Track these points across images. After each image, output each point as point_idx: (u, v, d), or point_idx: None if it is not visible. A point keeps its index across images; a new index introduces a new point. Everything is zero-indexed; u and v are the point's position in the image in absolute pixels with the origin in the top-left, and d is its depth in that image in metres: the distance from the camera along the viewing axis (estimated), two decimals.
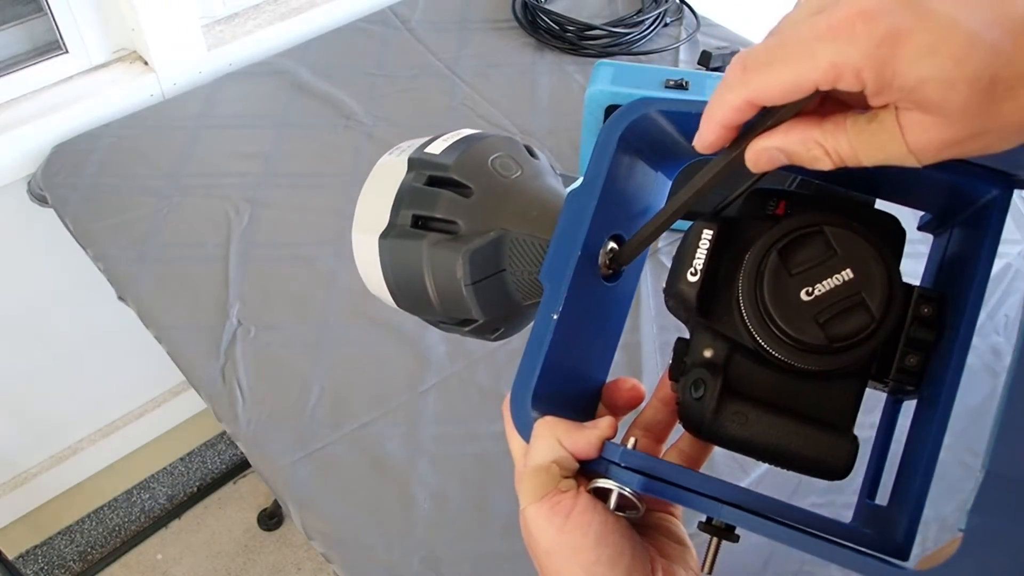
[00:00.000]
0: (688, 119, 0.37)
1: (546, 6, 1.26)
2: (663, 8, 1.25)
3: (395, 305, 0.46)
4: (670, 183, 0.44)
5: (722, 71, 1.10)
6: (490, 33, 1.26)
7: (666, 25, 1.26)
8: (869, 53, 0.26)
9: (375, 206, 0.45)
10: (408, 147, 0.47)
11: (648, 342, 0.88)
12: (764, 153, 0.31)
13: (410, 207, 0.44)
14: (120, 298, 1.07)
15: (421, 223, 0.43)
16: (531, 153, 0.47)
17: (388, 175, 0.46)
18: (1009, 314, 1.01)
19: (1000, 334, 1.01)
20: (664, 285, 0.39)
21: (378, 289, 0.46)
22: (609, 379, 0.43)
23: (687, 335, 0.39)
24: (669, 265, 0.40)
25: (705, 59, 1.10)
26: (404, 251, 0.43)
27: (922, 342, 0.34)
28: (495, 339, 0.46)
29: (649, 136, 0.39)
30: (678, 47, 1.22)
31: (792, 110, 0.30)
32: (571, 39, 1.23)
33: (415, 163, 0.45)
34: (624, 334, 0.92)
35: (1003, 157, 0.32)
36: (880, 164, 0.29)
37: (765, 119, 0.31)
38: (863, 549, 0.32)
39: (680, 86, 0.88)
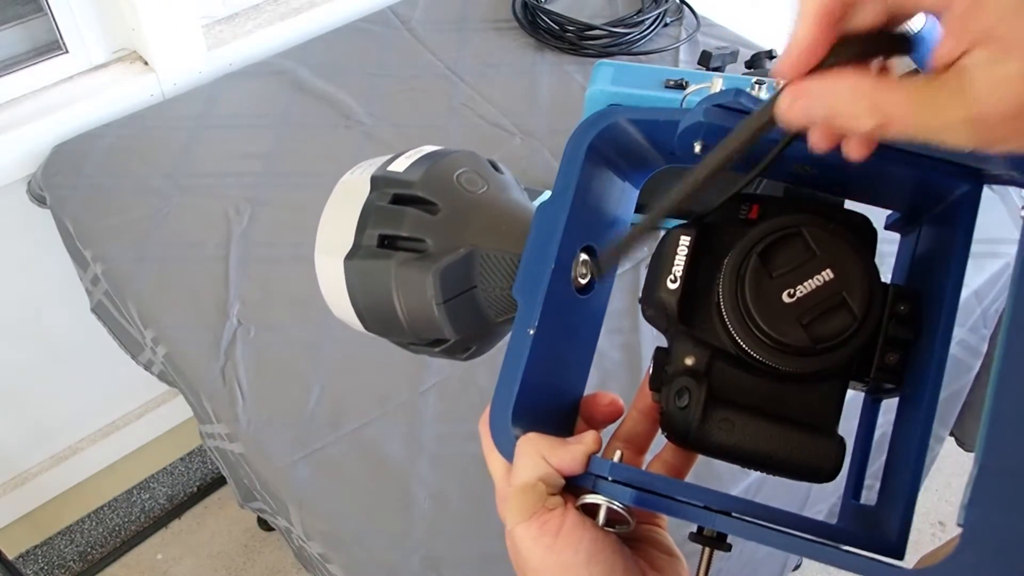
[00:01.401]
0: (656, 127, 0.37)
1: (546, 6, 1.26)
2: (663, 8, 1.25)
3: (362, 329, 0.45)
4: (637, 193, 0.44)
5: (722, 71, 1.10)
6: (490, 33, 1.26)
7: (666, 25, 1.26)
8: None
9: (338, 227, 0.44)
10: (369, 166, 0.46)
11: (648, 342, 0.88)
12: (802, 102, 0.27)
13: (375, 227, 0.42)
14: (93, 310, 1.07)
15: (387, 243, 0.42)
16: (495, 168, 0.46)
17: (350, 195, 0.44)
18: (999, 310, 1.01)
19: (988, 328, 1.02)
20: (640, 295, 0.39)
21: (344, 313, 0.45)
22: (605, 388, 0.43)
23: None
24: None
25: (705, 59, 1.10)
26: (371, 272, 0.42)
27: (901, 340, 0.34)
28: (466, 358, 0.45)
29: (617, 145, 0.39)
30: (678, 47, 1.22)
31: (850, 53, 0.27)
32: (571, 39, 1.23)
33: (378, 181, 0.44)
34: (624, 334, 0.92)
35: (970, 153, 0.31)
36: (932, 137, 0.26)
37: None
38: (860, 552, 0.32)
39: (680, 86, 0.88)
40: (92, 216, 1.01)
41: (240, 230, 0.99)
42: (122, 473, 1.55)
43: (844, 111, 0.27)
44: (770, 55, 1.13)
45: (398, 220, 0.42)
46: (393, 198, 0.43)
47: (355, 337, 0.89)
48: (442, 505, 0.77)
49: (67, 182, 1.05)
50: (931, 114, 0.26)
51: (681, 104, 0.39)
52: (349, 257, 0.42)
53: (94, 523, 1.56)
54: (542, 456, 0.35)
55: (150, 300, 0.93)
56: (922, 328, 0.35)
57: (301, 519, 0.77)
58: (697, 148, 0.36)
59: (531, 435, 0.36)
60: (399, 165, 0.44)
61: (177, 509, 1.58)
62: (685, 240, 0.36)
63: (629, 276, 0.94)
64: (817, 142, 0.30)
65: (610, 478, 0.35)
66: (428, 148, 0.46)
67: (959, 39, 0.25)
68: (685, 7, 1.28)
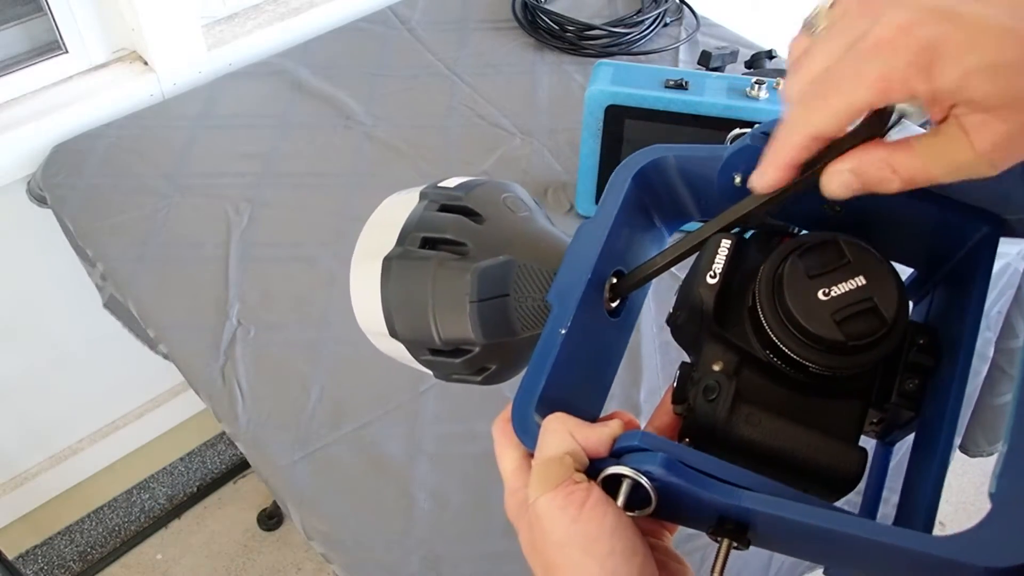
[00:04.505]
0: (700, 164, 0.39)
1: (546, 6, 1.26)
2: (663, 8, 1.25)
3: (384, 336, 0.46)
4: (668, 240, 0.46)
5: (722, 71, 1.10)
6: (490, 33, 1.26)
7: (666, 25, 1.26)
8: (912, 60, 0.28)
9: (381, 233, 0.45)
10: (416, 188, 0.48)
11: (648, 342, 0.88)
12: (836, 176, 0.32)
13: (420, 230, 0.44)
14: (105, 306, 1.06)
15: (430, 245, 0.44)
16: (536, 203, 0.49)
17: (398, 206, 0.46)
18: (1002, 311, 1.01)
19: (991, 330, 1.02)
20: (672, 307, 0.40)
21: (370, 317, 0.45)
22: (608, 399, 0.43)
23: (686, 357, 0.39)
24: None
25: (705, 59, 1.10)
26: (409, 269, 0.43)
27: (921, 367, 0.36)
28: (482, 380, 0.46)
29: (659, 186, 0.41)
30: (678, 47, 1.22)
31: (861, 136, 0.32)
32: (571, 39, 1.23)
33: (427, 195, 0.46)
34: None
35: (991, 195, 0.34)
36: (952, 177, 0.30)
37: (840, 144, 0.32)
38: (894, 527, 0.32)
39: (680, 86, 0.88)
40: (92, 216, 1.01)
41: (240, 230, 0.99)
42: (122, 473, 1.55)
43: (873, 178, 0.32)
44: (770, 55, 1.14)
45: (443, 224, 0.44)
46: (441, 207, 0.45)
47: (355, 337, 0.89)
48: (442, 505, 0.77)
49: (67, 182, 1.05)
50: (945, 161, 0.30)
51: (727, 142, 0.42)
52: (389, 257, 0.44)
53: (94, 523, 1.56)
54: (570, 432, 0.36)
55: (150, 300, 0.93)
56: (941, 355, 0.36)
57: (301, 519, 0.77)
58: (737, 180, 0.38)
59: (560, 413, 0.37)
60: (449, 183, 0.46)
61: (177, 509, 1.58)
62: (726, 243, 0.37)
63: None
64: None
65: (642, 446, 0.35)
66: (475, 177, 0.48)
67: (941, 108, 0.30)
68: (685, 7, 1.28)
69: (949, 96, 0.29)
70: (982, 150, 0.29)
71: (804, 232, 0.40)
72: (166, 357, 1.04)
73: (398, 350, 0.46)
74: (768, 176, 0.34)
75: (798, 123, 0.32)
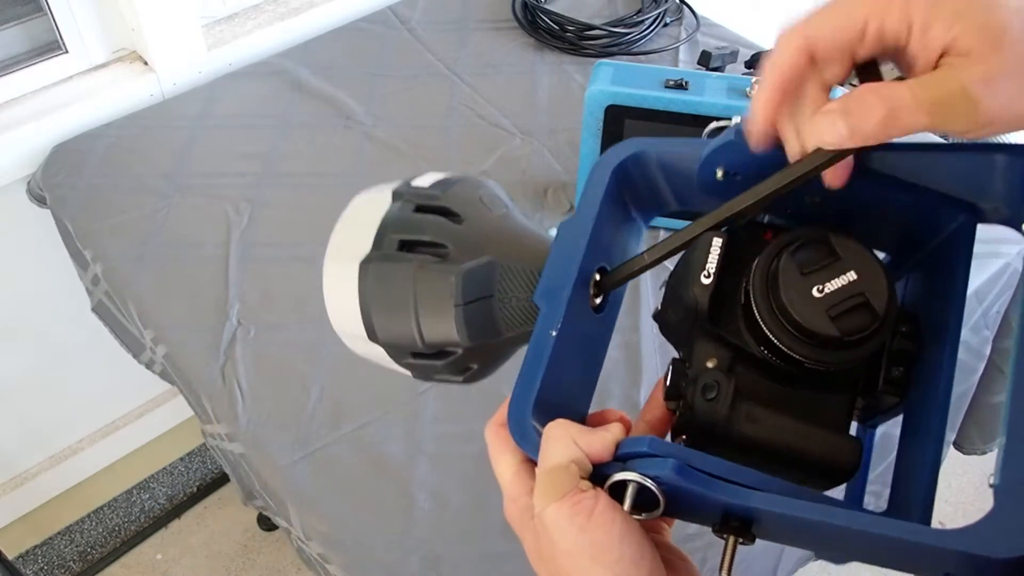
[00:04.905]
0: (679, 159, 0.39)
1: (546, 6, 1.26)
2: (663, 8, 1.25)
3: (362, 340, 0.45)
4: (645, 231, 0.46)
5: (722, 71, 1.10)
6: (490, 33, 1.26)
7: (666, 25, 1.26)
8: None
9: (355, 235, 0.44)
10: (386, 186, 0.46)
11: (648, 342, 0.88)
12: (826, 116, 0.33)
13: (396, 232, 0.43)
14: (94, 310, 1.06)
15: (408, 248, 0.42)
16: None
17: (369, 207, 0.45)
18: (1001, 311, 1.01)
19: (989, 328, 1.02)
20: (659, 304, 0.40)
21: (347, 321, 0.44)
22: (605, 386, 0.43)
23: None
24: (668, 264, 0.40)
25: (705, 59, 1.10)
26: (389, 273, 0.42)
27: (905, 353, 0.37)
28: (464, 380, 0.45)
29: (638, 179, 0.41)
30: (678, 47, 1.22)
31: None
32: (571, 39, 1.23)
33: (401, 195, 0.44)
34: (624, 333, 0.92)
35: (968, 185, 0.35)
36: (938, 113, 0.31)
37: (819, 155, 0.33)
38: (903, 521, 0.33)
39: (680, 86, 0.88)
40: (91, 216, 1.01)
41: (240, 230, 0.99)
42: (122, 473, 1.55)
43: (861, 109, 0.32)
44: None
45: (421, 226, 0.43)
46: (416, 208, 0.44)
47: None
48: (442, 505, 0.77)
49: (67, 182, 1.05)
50: (934, 88, 0.31)
51: (704, 135, 0.42)
52: (366, 261, 0.43)
53: (94, 523, 1.56)
54: (573, 440, 0.36)
55: (150, 300, 0.93)
56: (923, 341, 0.37)
57: (301, 519, 0.77)
58: (719, 174, 0.38)
59: (561, 420, 0.36)
60: (422, 181, 0.45)
61: (177, 509, 1.58)
62: (718, 242, 0.37)
63: None
64: (833, 179, 0.36)
65: (651, 452, 0.35)
66: (447, 173, 0.47)
67: (930, 53, 0.31)
68: (685, 7, 1.28)
69: (943, 33, 0.30)
70: (970, 80, 0.30)
71: (771, 219, 0.41)
72: (148, 366, 1.04)
73: (376, 353, 0.45)
74: (756, 109, 0.34)
75: (791, 32, 0.33)
